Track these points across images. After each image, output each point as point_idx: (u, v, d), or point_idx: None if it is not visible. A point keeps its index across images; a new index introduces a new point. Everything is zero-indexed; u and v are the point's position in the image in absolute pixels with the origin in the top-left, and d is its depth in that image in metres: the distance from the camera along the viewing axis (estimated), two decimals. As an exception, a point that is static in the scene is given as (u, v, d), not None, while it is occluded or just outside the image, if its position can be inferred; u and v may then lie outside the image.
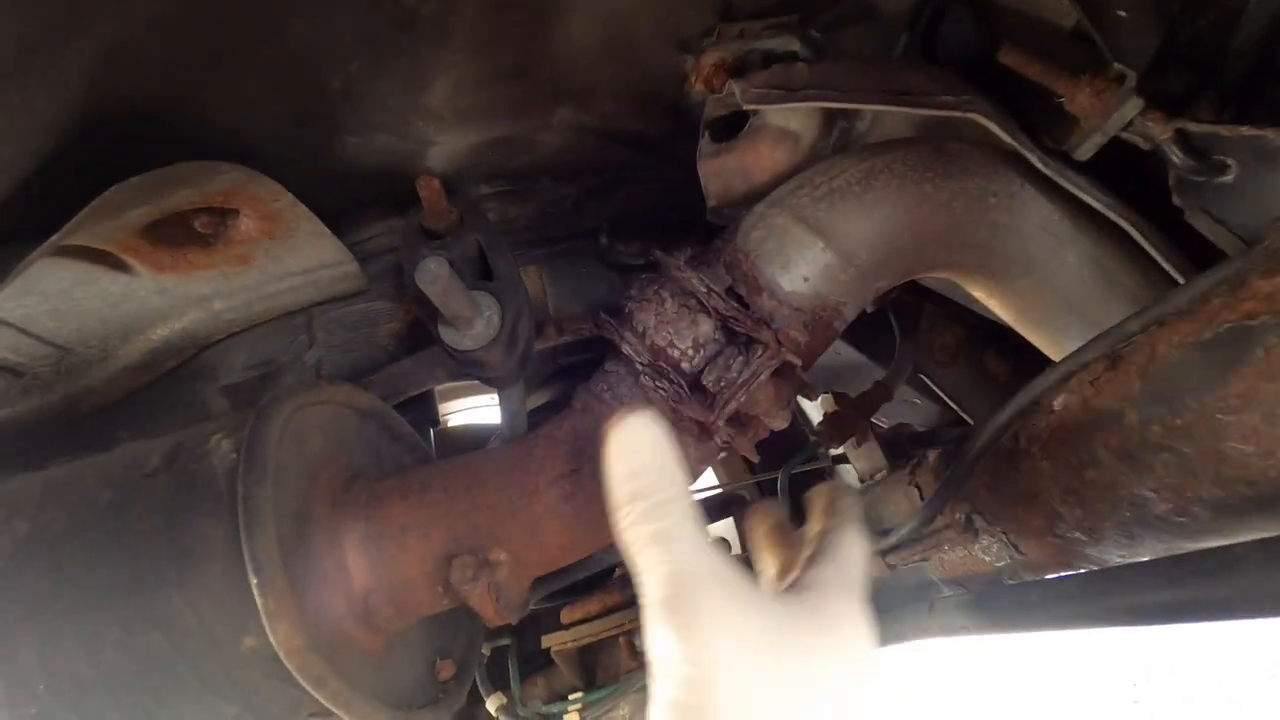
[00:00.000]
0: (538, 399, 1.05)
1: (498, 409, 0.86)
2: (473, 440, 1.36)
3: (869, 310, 0.77)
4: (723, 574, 0.37)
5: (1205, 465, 0.38)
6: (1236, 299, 0.37)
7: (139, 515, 0.47)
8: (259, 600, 0.43)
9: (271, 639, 0.44)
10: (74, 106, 0.47)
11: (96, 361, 0.80)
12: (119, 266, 0.68)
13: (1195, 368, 0.38)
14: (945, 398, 1.04)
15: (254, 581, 0.43)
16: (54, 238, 0.50)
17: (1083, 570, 0.54)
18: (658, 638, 0.36)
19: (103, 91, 0.48)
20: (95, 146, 0.51)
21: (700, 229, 0.88)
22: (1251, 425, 0.36)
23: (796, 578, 0.45)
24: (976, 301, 0.76)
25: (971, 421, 1.04)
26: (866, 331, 1.02)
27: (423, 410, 1.19)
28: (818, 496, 0.52)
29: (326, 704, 0.46)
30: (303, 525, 0.51)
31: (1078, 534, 0.49)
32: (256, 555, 0.43)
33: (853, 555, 0.46)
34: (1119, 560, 0.50)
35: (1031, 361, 0.80)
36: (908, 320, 0.97)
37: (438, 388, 0.91)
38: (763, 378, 0.51)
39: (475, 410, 1.64)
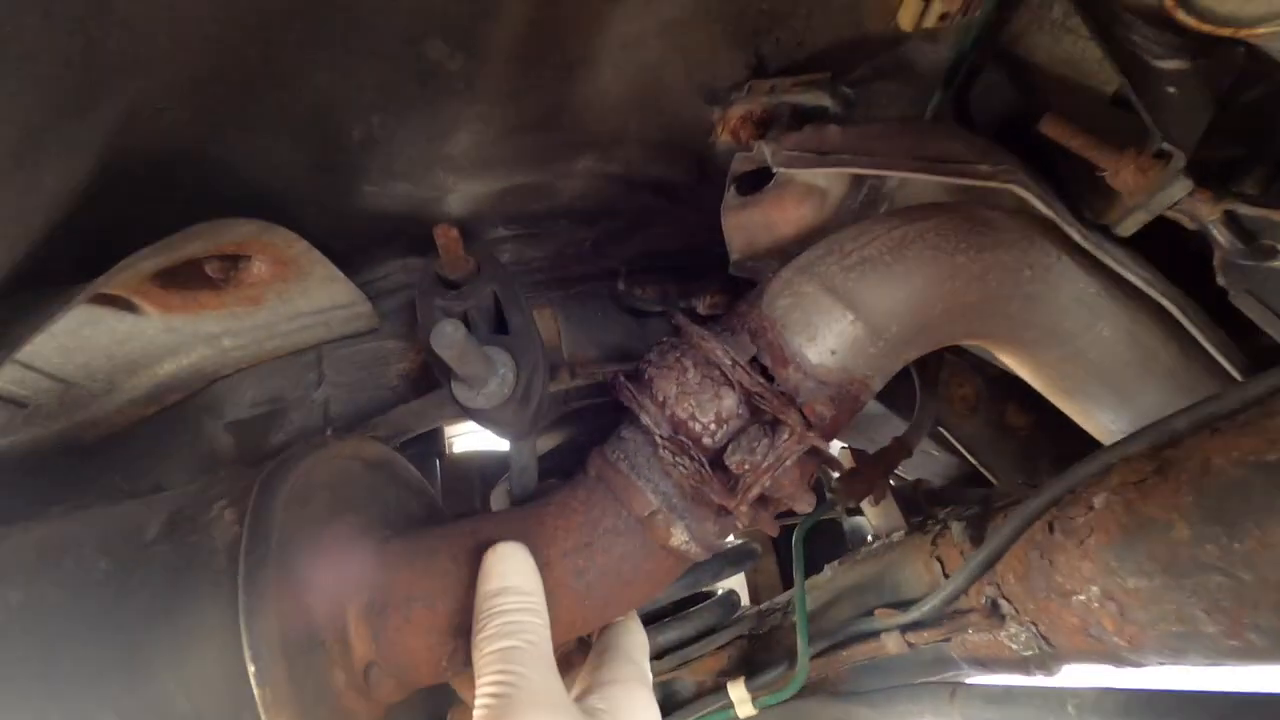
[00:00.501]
0: (548, 441, 1.02)
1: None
2: (479, 468, 1.34)
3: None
4: (548, 698, 0.43)
5: (1266, 595, 0.36)
6: (1305, 423, 0.35)
7: (135, 590, 0.45)
8: (256, 690, 0.41)
9: (267, 729, 0.42)
10: (88, 174, 0.45)
11: (101, 395, 0.79)
12: (127, 307, 0.67)
13: (1258, 491, 0.36)
14: (963, 451, 1.01)
15: (251, 670, 0.41)
16: (78, 298, 0.49)
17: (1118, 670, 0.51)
18: None
19: (119, 153, 0.46)
20: (111, 200, 0.50)
21: (719, 275, 0.86)
22: (1321, 563, 0.33)
23: (591, 679, 0.53)
24: (998, 354, 0.73)
25: (989, 476, 1.01)
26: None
27: (429, 442, 1.17)
28: None
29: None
30: (303, 596, 0.49)
31: (1116, 639, 0.47)
32: (255, 642, 0.42)
33: (635, 646, 0.56)
34: (1159, 664, 0.48)
35: (1054, 416, 0.78)
36: (928, 372, 0.95)
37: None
38: (788, 463, 0.49)
39: (482, 433, 1.62)
